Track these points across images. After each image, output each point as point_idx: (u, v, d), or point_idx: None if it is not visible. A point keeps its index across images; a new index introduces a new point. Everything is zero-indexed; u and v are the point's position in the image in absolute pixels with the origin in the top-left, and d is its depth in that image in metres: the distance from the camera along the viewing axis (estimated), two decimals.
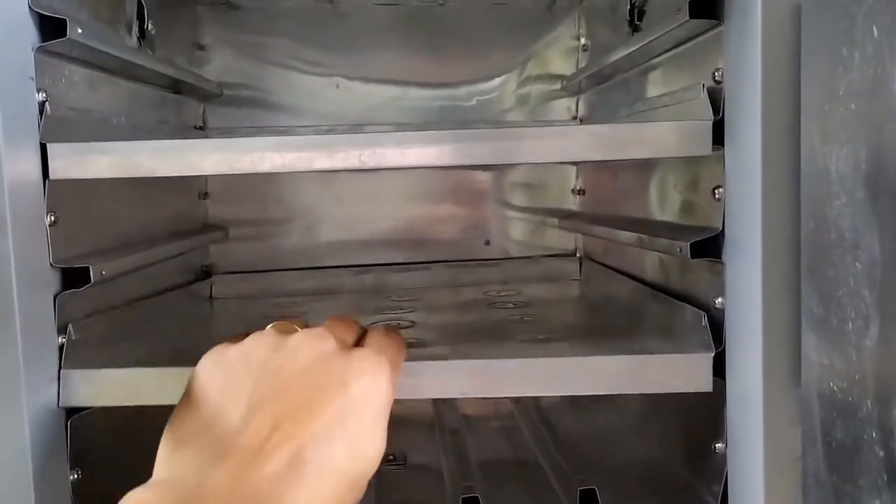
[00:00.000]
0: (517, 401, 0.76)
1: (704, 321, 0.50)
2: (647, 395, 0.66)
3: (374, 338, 0.43)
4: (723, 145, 0.48)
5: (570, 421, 0.77)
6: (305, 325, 0.42)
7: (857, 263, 0.36)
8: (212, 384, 0.39)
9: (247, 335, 0.41)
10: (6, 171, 0.43)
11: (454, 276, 0.88)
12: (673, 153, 0.48)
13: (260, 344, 0.39)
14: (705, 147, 0.48)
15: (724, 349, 0.49)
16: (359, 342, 0.42)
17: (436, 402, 0.75)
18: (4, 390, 0.44)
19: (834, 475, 0.39)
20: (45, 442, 0.46)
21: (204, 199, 0.86)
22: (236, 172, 0.47)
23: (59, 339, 0.48)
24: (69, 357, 0.48)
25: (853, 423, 0.37)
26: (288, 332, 0.40)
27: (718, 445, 0.50)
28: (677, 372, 0.49)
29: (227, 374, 0.38)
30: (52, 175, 0.47)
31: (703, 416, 0.51)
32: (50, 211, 0.47)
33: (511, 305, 0.73)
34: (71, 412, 0.48)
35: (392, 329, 0.45)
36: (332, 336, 0.40)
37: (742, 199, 0.46)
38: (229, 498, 0.32)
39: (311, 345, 0.39)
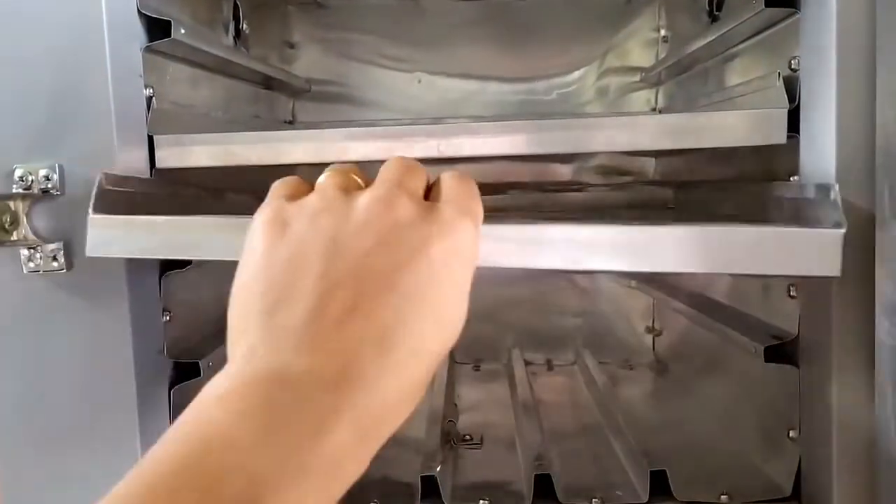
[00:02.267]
0: (592, 384, 0.77)
1: None
2: (725, 384, 0.67)
3: (449, 188, 0.36)
4: (798, 133, 0.48)
5: (645, 407, 0.78)
6: (363, 177, 0.37)
7: None
8: (276, 258, 0.33)
9: (306, 190, 0.36)
10: (118, 160, 0.48)
11: None
12: (747, 141, 0.49)
13: (324, 208, 0.34)
14: (780, 135, 0.48)
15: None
16: (428, 192, 0.37)
17: (512, 382, 0.76)
18: None
19: None
20: None
21: None
22: (323, 161, 0.50)
23: None
24: None
25: None
26: (350, 187, 0.35)
27: (792, 432, 0.50)
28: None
29: (291, 243, 0.33)
30: (158, 164, 0.51)
31: (778, 403, 0.52)
32: None
33: None
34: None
35: (465, 176, 0.38)
36: (402, 194, 0.34)
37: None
38: (313, 382, 0.29)
39: (383, 213, 0.33)
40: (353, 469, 0.29)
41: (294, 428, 0.28)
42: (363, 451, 0.30)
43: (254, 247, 0.34)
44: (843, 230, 0.40)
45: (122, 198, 0.48)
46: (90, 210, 0.46)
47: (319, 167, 0.37)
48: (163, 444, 0.27)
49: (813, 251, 0.40)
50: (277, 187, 0.37)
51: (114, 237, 0.46)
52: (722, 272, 0.45)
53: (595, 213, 0.84)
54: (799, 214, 0.47)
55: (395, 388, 0.31)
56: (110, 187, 0.47)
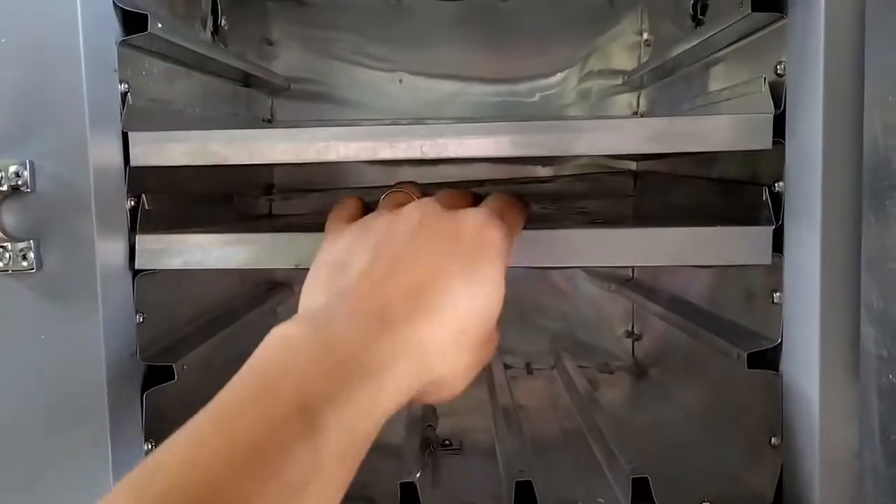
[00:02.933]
0: (572, 389, 0.77)
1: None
2: (705, 389, 0.66)
3: (493, 201, 0.45)
4: (783, 139, 0.48)
5: (625, 411, 0.77)
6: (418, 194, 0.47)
7: None
8: (337, 248, 0.43)
9: (362, 205, 0.48)
10: (91, 155, 0.46)
11: None
12: (732, 146, 0.48)
13: (377, 217, 0.44)
14: (766, 141, 0.48)
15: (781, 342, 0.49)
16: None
17: (491, 386, 0.76)
18: None
19: (893, 469, 0.39)
20: None
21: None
22: (303, 161, 0.49)
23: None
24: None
25: None
26: (401, 204, 0.44)
27: (774, 440, 0.50)
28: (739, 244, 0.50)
29: (352, 240, 0.43)
30: (132, 162, 0.49)
31: (760, 409, 0.51)
32: (130, 196, 0.50)
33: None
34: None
35: (514, 197, 0.47)
36: (439, 204, 0.43)
37: (802, 194, 0.46)
38: (355, 318, 0.35)
39: (421, 207, 0.42)
40: (400, 383, 0.34)
41: (338, 352, 0.33)
42: (408, 370, 0.35)
43: (321, 252, 0.44)
44: (772, 226, 0.49)
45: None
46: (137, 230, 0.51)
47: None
48: (232, 381, 0.32)
49: (747, 245, 0.49)
50: (336, 210, 0.49)
51: (160, 253, 0.51)
52: (673, 265, 0.53)
53: (564, 201, 0.85)
54: (742, 210, 0.54)
55: (432, 328, 0.36)
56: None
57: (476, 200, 0.47)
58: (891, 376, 0.38)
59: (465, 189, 0.48)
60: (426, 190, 0.49)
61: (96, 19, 0.47)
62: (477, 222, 0.41)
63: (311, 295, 0.41)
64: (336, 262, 0.42)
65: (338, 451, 0.30)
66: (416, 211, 0.42)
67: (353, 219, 0.46)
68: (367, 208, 0.49)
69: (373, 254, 0.40)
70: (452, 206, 0.43)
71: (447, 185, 0.87)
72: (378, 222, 0.43)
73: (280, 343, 0.34)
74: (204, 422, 0.30)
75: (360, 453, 0.32)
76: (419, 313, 0.36)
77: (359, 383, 0.32)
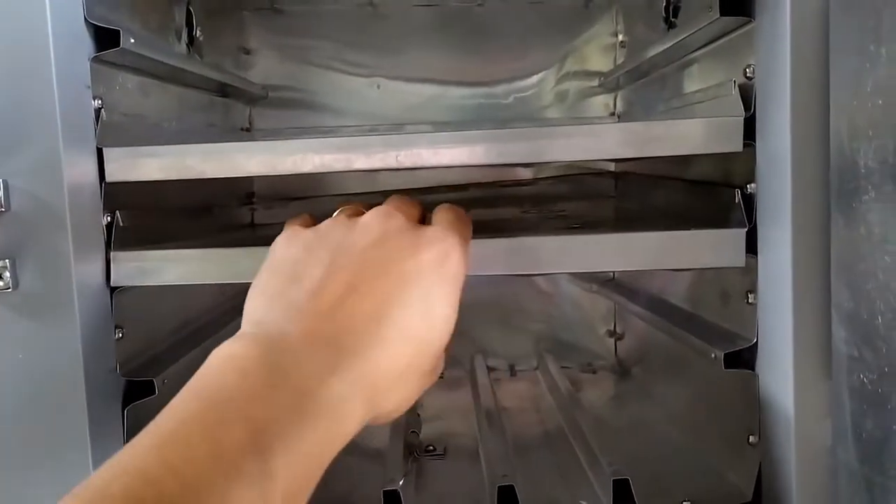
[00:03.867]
0: (555, 390, 0.77)
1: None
2: (685, 388, 0.67)
3: (442, 215, 0.43)
4: (755, 141, 0.49)
5: (608, 411, 0.78)
6: (371, 207, 0.44)
7: (886, 257, 0.37)
8: (289, 256, 0.40)
9: (315, 223, 0.43)
10: (66, 173, 0.46)
11: None
12: (705, 149, 0.49)
13: (333, 226, 0.41)
14: (737, 143, 0.48)
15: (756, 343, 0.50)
16: (424, 222, 0.44)
17: (475, 389, 0.76)
18: None
19: (865, 466, 0.39)
20: None
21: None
22: (279, 173, 0.49)
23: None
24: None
25: (883, 415, 0.38)
26: (356, 215, 0.42)
27: (752, 438, 0.50)
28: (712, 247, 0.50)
29: (304, 249, 0.40)
30: (107, 178, 0.49)
31: (738, 408, 0.52)
32: (106, 212, 0.50)
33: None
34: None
35: (459, 207, 0.46)
36: (399, 213, 0.41)
37: (773, 195, 0.47)
38: (310, 345, 0.34)
39: (381, 221, 0.40)
40: (350, 424, 0.33)
41: (292, 381, 0.31)
42: (359, 408, 0.34)
43: (271, 256, 0.41)
44: (745, 228, 0.49)
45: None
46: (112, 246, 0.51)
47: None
48: (175, 401, 0.30)
49: (720, 247, 0.50)
50: (292, 220, 0.45)
51: (136, 270, 0.51)
52: (649, 269, 0.56)
53: (545, 204, 0.85)
54: (717, 211, 0.54)
55: (385, 360, 0.35)
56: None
57: (424, 210, 0.46)
58: (861, 376, 0.39)
59: (414, 199, 0.45)
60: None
61: (68, 35, 0.47)
62: (437, 242, 0.39)
63: (260, 304, 0.38)
64: (288, 269, 0.39)
65: (285, 494, 0.29)
66: (376, 223, 0.40)
67: (309, 226, 0.43)
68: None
69: (328, 266, 0.38)
70: (409, 213, 0.42)
71: (427, 190, 0.88)
72: (336, 230, 0.41)
73: (228, 364, 0.32)
74: (148, 448, 0.28)
75: (305, 495, 0.31)
76: (374, 344, 0.35)
77: (312, 421, 0.31)
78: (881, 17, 0.36)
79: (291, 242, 0.41)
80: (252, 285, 0.40)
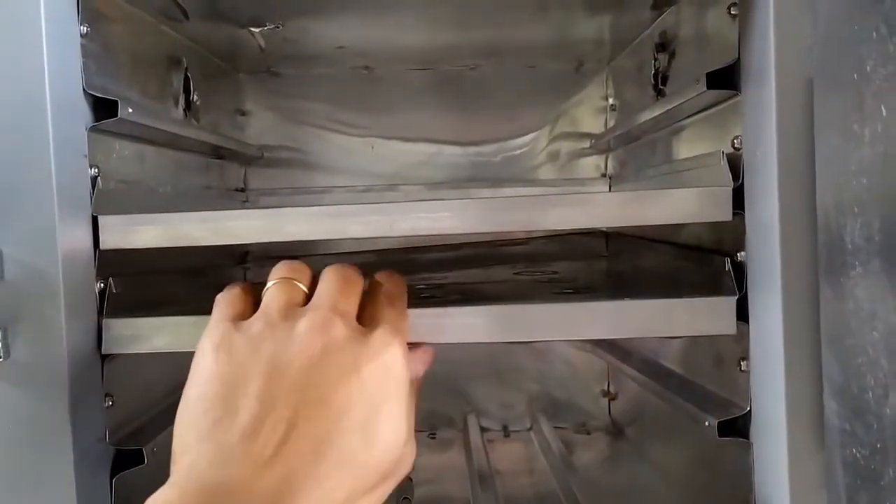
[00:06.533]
0: (548, 451, 0.76)
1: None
2: (680, 451, 0.67)
3: (381, 312, 0.41)
4: (744, 210, 0.49)
5: (602, 473, 0.77)
6: (313, 277, 0.42)
7: (874, 332, 0.37)
8: (217, 374, 0.37)
9: (252, 295, 0.42)
10: (60, 242, 0.46)
11: None
12: (695, 218, 0.49)
13: (266, 334, 0.38)
14: (726, 213, 0.49)
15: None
16: (363, 302, 0.42)
17: (468, 452, 0.76)
18: None
19: None
20: None
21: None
22: (274, 241, 0.49)
23: None
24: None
25: (877, 491, 0.38)
26: (294, 301, 0.40)
27: None
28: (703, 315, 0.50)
29: (234, 364, 0.37)
30: (102, 245, 0.50)
31: (733, 475, 0.52)
32: (100, 279, 0.50)
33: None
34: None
35: (395, 277, 0.46)
36: (338, 318, 0.38)
37: (763, 264, 0.47)
38: (249, 498, 0.32)
39: (319, 332, 0.37)
40: None
41: None
42: None
43: (200, 369, 0.38)
44: (735, 296, 0.49)
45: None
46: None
47: None
48: None
49: (711, 315, 0.50)
50: (222, 305, 0.42)
51: (128, 337, 0.51)
52: (641, 336, 0.56)
53: (538, 263, 0.86)
54: (708, 277, 0.55)
55: (327, 497, 0.33)
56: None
57: (364, 281, 0.44)
58: (854, 450, 0.39)
59: (353, 268, 0.43)
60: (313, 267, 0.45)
61: (66, 105, 0.48)
62: (378, 356, 0.38)
63: (190, 443, 0.35)
64: (217, 393, 0.36)
65: None
66: (314, 335, 0.37)
67: (242, 315, 0.41)
68: (258, 294, 0.43)
69: (262, 399, 0.35)
70: (348, 310, 0.40)
71: (421, 249, 0.89)
72: (269, 339, 0.38)
73: None
74: None
75: None
76: (313, 486, 0.33)
77: None
78: (863, 97, 0.37)
79: (220, 351, 0.38)
80: (181, 404, 0.37)
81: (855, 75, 0.37)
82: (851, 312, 0.39)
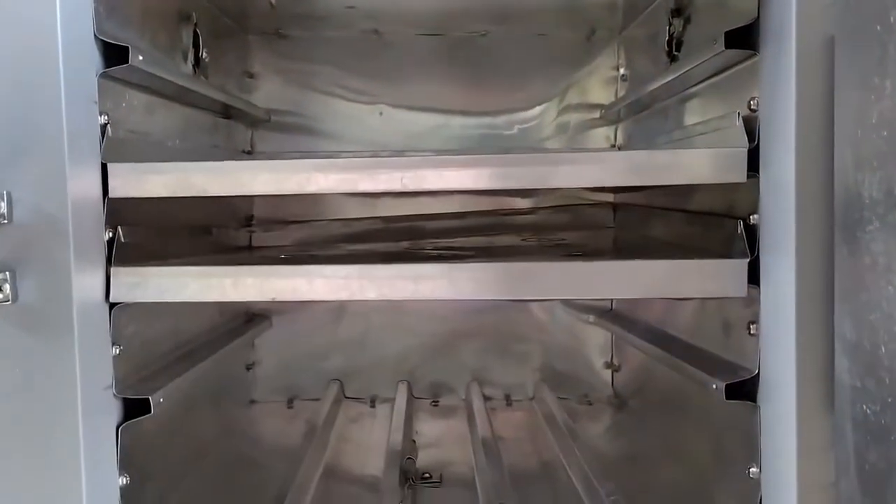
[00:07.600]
0: (552, 420, 0.77)
1: None
2: (684, 419, 0.67)
3: None
4: (758, 172, 0.49)
5: (605, 443, 0.77)
6: None
7: (889, 287, 0.37)
8: None
9: None
10: (70, 187, 0.46)
11: None
12: (708, 179, 0.49)
13: None
14: (741, 174, 0.49)
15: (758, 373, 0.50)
16: None
17: (471, 418, 0.76)
18: None
19: (868, 499, 0.39)
20: None
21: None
22: (283, 193, 0.49)
23: None
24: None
25: (887, 447, 0.37)
26: None
27: (753, 470, 0.50)
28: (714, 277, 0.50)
29: None
30: (111, 193, 0.49)
31: (738, 439, 0.52)
32: (109, 228, 0.50)
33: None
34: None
35: None
36: None
37: (776, 226, 0.47)
38: None
39: None
40: None
41: None
42: None
43: None
44: (747, 259, 0.50)
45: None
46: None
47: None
48: None
49: (721, 277, 0.50)
50: None
51: (137, 286, 0.51)
52: (651, 297, 0.56)
53: (544, 233, 0.86)
54: (718, 242, 0.54)
55: None
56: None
57: None
58: (864, 407, 0.39)
59: None
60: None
61: (77, 51, 0.47)
62: None
63: None
64: None
65: None
66: None
67: None
68: None
69: None
70: None
71: (427, 217, 0.88)
72: None
73: None
74: None
75: None
76: None
77: None
78: (886, 49, 0.36)
79: None
80: None
81: (878, 27, 0.37)
82: (867, 267, 0.38)
